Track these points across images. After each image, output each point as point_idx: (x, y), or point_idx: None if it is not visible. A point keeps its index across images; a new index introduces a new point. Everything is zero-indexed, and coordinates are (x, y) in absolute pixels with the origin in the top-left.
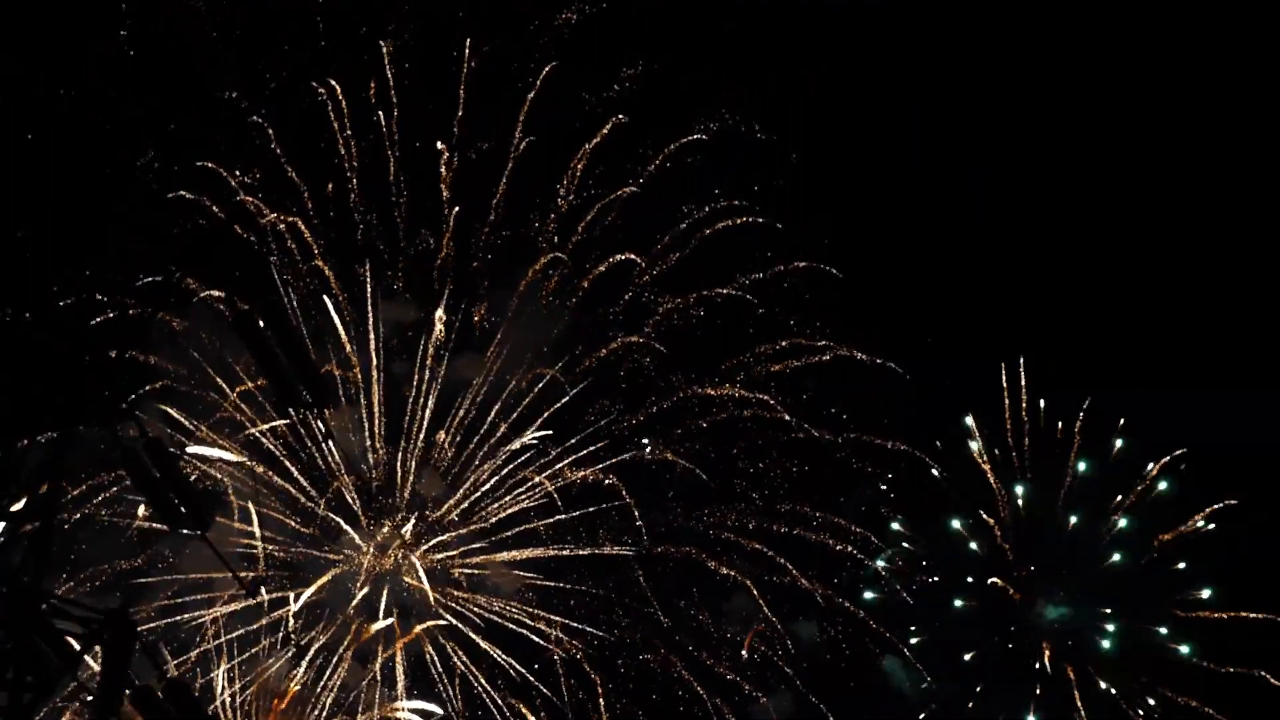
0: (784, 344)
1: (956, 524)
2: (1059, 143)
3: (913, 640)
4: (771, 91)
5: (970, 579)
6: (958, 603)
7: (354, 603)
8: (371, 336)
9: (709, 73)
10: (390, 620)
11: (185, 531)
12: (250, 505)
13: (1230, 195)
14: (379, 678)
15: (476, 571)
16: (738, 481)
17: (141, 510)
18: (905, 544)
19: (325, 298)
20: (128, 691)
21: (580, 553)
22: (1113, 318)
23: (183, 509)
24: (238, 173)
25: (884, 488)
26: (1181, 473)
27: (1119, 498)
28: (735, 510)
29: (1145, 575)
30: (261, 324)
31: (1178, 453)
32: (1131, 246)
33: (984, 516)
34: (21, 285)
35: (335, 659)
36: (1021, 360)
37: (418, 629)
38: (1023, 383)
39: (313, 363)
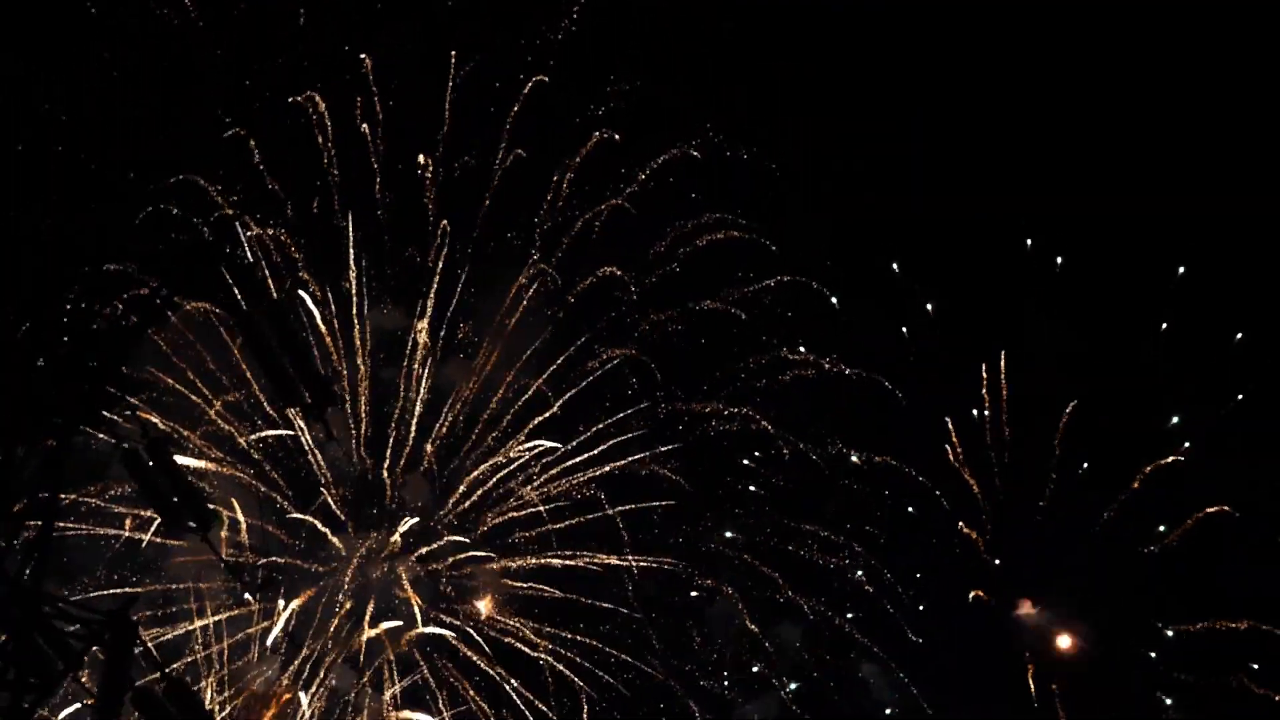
0: (767, 359)
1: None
2: (1055, 144)
3: (895, 650)
4: (761, 101)
5: (953, 590)
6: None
7: (341, 612)
8: (359, 348)
9: (699, 84)
10: (379, 629)
11: (186, 532)
12: (239, 514)
13: (1232, 197)
14: (369, 687)
15: (463, 581)
16: (722, 494)
17: (128, 523)
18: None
19: (314, 308)
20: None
21: (567, 563)
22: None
23: (184, 509)
24: (220, 187)
25: (869, 499)
26: None
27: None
28: (721, 522)
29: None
30: (265, 326)
31: None
32: (1130, 251)
33: (964, 529)
34: (20, 292)
35: (324, 668)
36: (1002, 353)
37: (406, 639)
38: (1002, 377)
39: (314, 364)
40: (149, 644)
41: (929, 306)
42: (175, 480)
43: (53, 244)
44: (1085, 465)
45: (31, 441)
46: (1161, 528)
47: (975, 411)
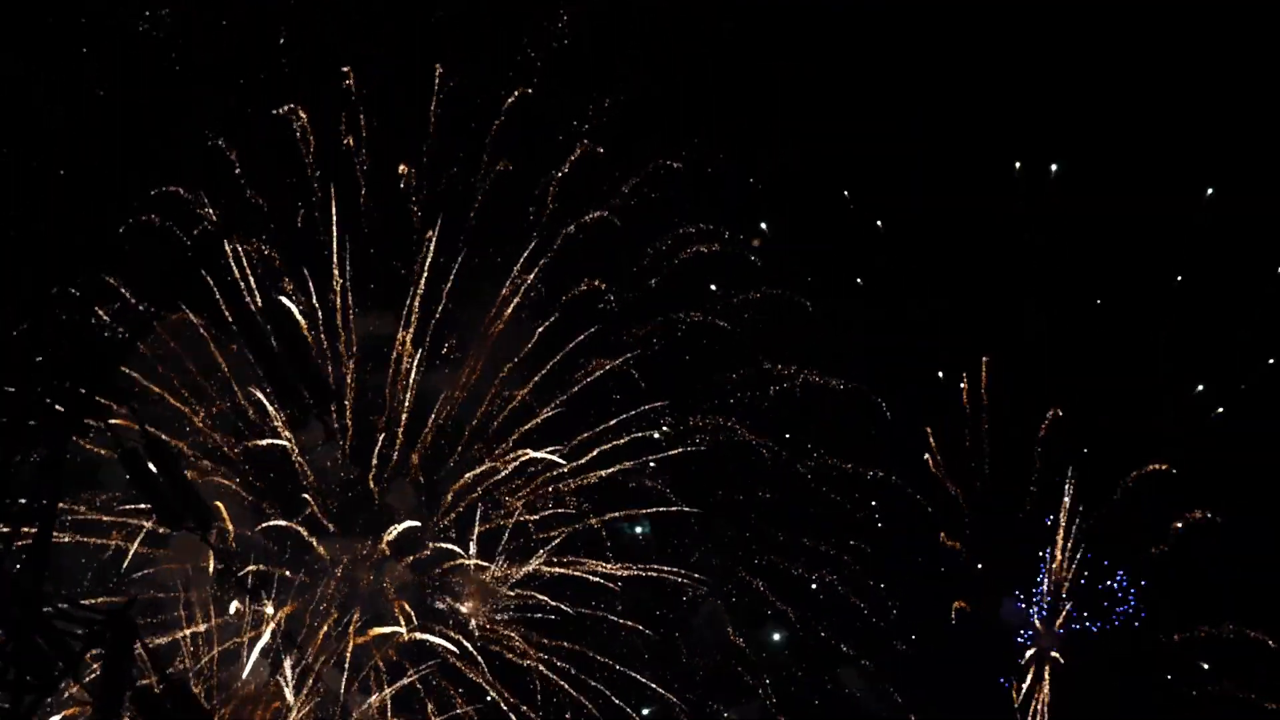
0: (751, 370)
1: None
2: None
3: (881, 659)
4: (744, 114)
5: (938, 598)
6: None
7: (329, 621)
8: (344, 357)
9: (686, 97)
10: (366, 636)
11: (187, 531)
12: (227, 523)
13: (1233, 195)
14: (357, 695)
15: (450, 588)
16: (710, 504)
17: (114, 534)
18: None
19: (300, 318)
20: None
21: (554, 571)
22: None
23: (184, 509)
24: (206, 198)
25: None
26: None
27: None
28: (706, 533)
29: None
30: (267, 328)
31: None
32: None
33: (945, 540)
34: (19, 294)
35: (312, 675)
36: (984, 359)
37: (393, 646)
38: (983, 384)
39: (314, 365)
40: (145, 649)
41: (879, 223)
42: (175, 480)
43: (50, 251)
44: (1070, 471)
45: (30, 446)
46: (1148, 534)
47: (959, 416)
